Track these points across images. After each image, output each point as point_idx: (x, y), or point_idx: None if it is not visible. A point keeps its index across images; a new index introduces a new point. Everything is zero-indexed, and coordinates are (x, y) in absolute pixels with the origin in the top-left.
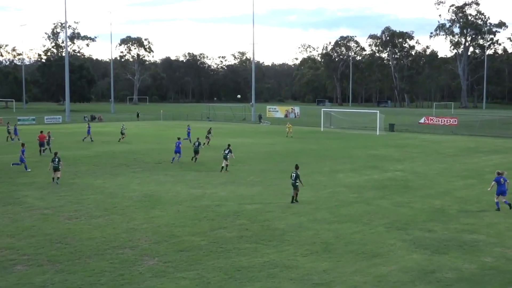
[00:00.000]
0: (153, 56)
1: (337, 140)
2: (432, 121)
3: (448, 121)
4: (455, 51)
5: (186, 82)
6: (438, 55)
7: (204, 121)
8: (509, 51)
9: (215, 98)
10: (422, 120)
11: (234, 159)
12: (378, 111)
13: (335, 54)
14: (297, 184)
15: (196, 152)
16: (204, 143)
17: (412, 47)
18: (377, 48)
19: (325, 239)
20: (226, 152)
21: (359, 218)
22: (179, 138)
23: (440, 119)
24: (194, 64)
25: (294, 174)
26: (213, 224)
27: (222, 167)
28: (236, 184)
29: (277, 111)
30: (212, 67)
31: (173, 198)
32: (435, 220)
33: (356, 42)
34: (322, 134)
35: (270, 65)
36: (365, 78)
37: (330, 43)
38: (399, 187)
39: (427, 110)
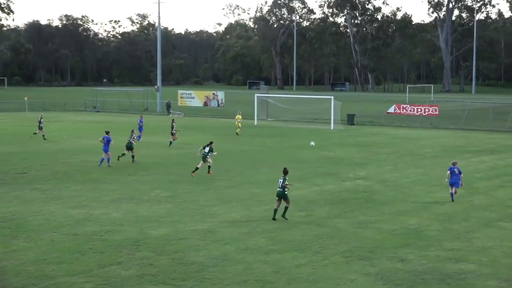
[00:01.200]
0: (13, 20)
1: (277, 138)
2: (405, 110)
3: (427, 110)
4: (435, 15)
5: (63, 57)
6: (412, 21)
7: (90, 112)
8: (506, 15)
9: (105, 80)
10: (391, 109)
11: (135, 164)
12: (332, 97)
13: (274, 18)
14: (286, 192)
15: (130, 148)
16: (171, 141)
17: (378, 9)
18: (330, 10)
19: (261, 276)
20: (206, 150)
21: (308, 245)
22: (107, 132)
23: (415, 108)
24: (73, 32)
25: (282, 180)
26: (103, 258)
27: (197, 168)
28: (135, 201)
29: (193, 97)
30: (100, 35)
31: (44, 222)
32: (409, 245)
33: (303, 2)
34: (256, 129)
35: (183, 33)
36: (314, 52)
37: (266, 2)
38: (362, 201)
39: (398, 95)
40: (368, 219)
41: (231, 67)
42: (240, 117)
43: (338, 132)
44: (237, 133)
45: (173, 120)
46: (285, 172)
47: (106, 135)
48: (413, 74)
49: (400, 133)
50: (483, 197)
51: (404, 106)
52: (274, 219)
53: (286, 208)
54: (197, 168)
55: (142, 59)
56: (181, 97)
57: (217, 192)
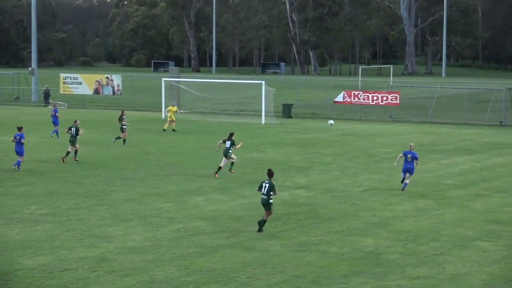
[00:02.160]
0: None
1: (191, 136)
2: (357, 98)
3: (385, 98)
4: None
5: None
6: None
7: None
8: None
9: None
10: (340, 98)
11: (14, 171)
12: (263, 82)
13: None
14: (271, 201)
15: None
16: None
17: None
18: None
19: None
20: (228, 145)
21: (232, 275)
22: (20, 129)
23: (370, 96)
24: None
25: (267, 185)
26: None
27: (220, 167)
28: (2, 221)
29: (80, 83)
30: None
31: None
32: (364, 272)
33: None
34: (162, 124)
35: None
36: (240, 24)
37: None
38: (303, 217)
39: (349, 79)
40: (311, 240)
41: (130, 43)
42: (174, 108)
43: (271, 127)
44: (164, 129)
45: (122, 111)
46: (270, 174)
47: (20, 133)
48: (367, 52)
49: (351, 128)
50: (457, 210)
51: (356, 93)
52: (260, 230)
53: (264, 221)
54: (220, 168)
55: (11, 32)
56: (64, 83)
57: (113, 207)
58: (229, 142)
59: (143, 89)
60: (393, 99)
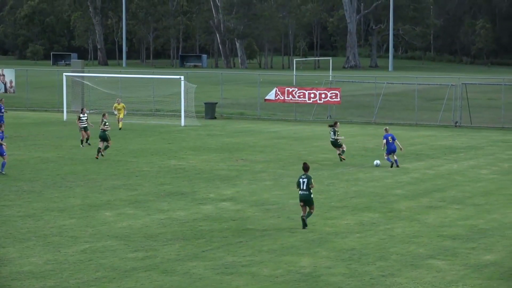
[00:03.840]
0: None
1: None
2: (291, 96)
3: (323, 95)
4: None
5: None
6: None
7: None
8: None
9: None
10: (271, 95)
11: None
12: (182, 77)
13: None
14: (311, 195)
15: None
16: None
17: None
18: None
19: None
20: (333, 136)
21: None
22: None
23: (306, 93)
24: None
25: (305, 180)
26: None
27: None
28: None
29: None
30: None
31: None
32: None
33: None
34: (67, 127)
35: None
36: (154, 9)
37: None
38: (229, 233)
39: (282, 74)
40: (239, 261)
41: (24, 32)
42: (120, 105)
43: (192, 129)
44: (119, 128)
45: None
46: (306, 168)
47: None
48: (303, 43)
49: (284, 131)
50: (407, 224)
51: (291, 90)
52: (304, 227)
53: (310, 213)
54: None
55: None
56: None
57: (6, 225)
58: (333, 131)
59: (40, 85)
60: (333, 97)
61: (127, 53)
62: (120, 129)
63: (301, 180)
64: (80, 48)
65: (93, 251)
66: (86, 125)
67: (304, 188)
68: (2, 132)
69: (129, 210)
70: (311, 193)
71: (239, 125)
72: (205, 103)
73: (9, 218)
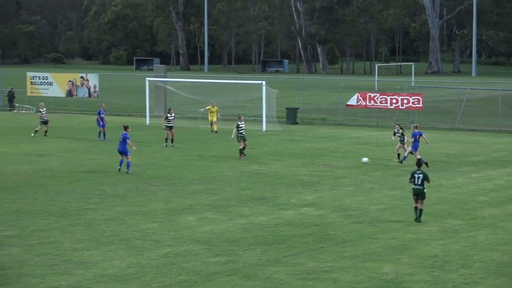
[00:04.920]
0: None
1: (180, 145)
2: (373, 101)
3: (405, 101)
4: None
5: None
6: None
7: None
8: None
9: None
10: (353, 100)
11: None
12: (264, 82)
13: None
14: (425, 190)
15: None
16: None
17: None
18: None
19: None
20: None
21: None
22: (126, 128)
23: (388, 98)
24: None
25: (421, 175)
26: None
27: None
28: None
29: (51, 83)
30: None
31: None
32: None
33: None
34: (149, 131)
35: None
36: (236, 14)
37: None
38: (311, 239)
39: (363, 79)
40: (321, 267)
41: (108, 37)
42: (214, 108)
43: (273, 135)
44: (215, 131)
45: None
46: (419, 164)
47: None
48: (385, 48)
49: (366, 136)
50: (491, 231)
51: (372, 95)
52: (418, 220)
53: (421, 210)
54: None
55: None
56: (31, 83)
57: (90, 228)
58: (400, 133)
59: (123, 90)
60: (415, 102)
61: (209, 58)
62: (216, 132)
63: (416, 175)
64: (162, 53)
65: (175, 255)
66: (172, 124)
67: (419, 183)
68: (127, 134)
69: (211, 215)
70: (424, 188)
71: (321, 130)
72: (286, 108)
73: (93, 222)
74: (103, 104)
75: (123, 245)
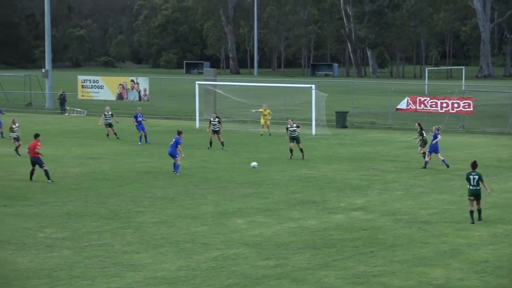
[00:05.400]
0: None
1: (229, 148)
2: (423, 105)
3: (456, 105)
4: None
5: None
6: None
7: None
8: None
9: None
10: (403, 104)
11: (13, 190)
12: (313, 86)
13: None
14: (481, 190)
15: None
16: None
17: None
18: None
19: None
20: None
21: None
22: (179, 133)
23: (439, 102)
24: None
25: (476, 176)
26: None
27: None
28: (13, 246)
29: (101, 86)
30: None
31: None
32: None
33: None
34: (199, 135)
35: None
36: (285, 18)
37: None
38: (360, 243)
39: (413, 83)
40: (370, 271)
41: (158, 41)
42: (266, 111)
43: (322, 138)
44: (268, 133)
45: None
46: (475, 166)
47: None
48: (435, 52)
49: (415, 140)
50: None
51: (422, 99)
52: (473, 222)
53: (479, 210)
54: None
55: (21, 28)
56: (82, 86)
57: (140, 231)
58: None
59: (173, 94)
60: (466, 106)
61: (259, 62)
62: (270, 134)
63: (471, 176)
64: (212, 57)
65: (224, 258)
66: (218, 129)
67: (475, 184)
68: (179, 140)
69: (260, 218)
70: (480, 188)
71: (370, 134)
72: (336, 112)
73: (143, 224)
74: (140, 108)
75: (173, 248)
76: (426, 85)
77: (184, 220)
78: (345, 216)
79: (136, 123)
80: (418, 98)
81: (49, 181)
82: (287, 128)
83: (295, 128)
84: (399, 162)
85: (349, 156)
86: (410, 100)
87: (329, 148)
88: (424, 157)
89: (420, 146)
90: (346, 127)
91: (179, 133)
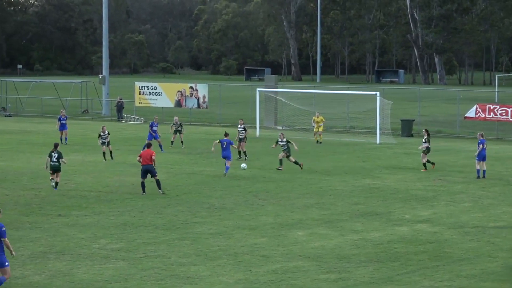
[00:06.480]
0: None
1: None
2: (493, 114)
3: None
4: None
5: None
6: None
7: None
8: None
9: (20, 66)
10: (471, 112)
11: (67, 200)
12: (378, 93)
13: None
14: None
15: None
16: None
17: None
18: None
19: None
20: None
21: None
22: (226, 135)
23: (509, 110)
24: None
25: None
26: None
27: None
28: (68, 257)
29: (159, 93)
30: None
31: None
32: None
33: None
34: (259, 143)
35: None
36: (350, 23)
37: None
38: (426, 257)
39: (483, 90)
40: (436, 286)
41: (218, 47)
42: (318, 118)
43: (387, 147)
44: (317, 141)
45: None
46: None
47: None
48: (506, 58)
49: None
50: None
51: (492, 107)
52: None
53: None
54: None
55: (78, 33)
56: (140, 93)
57: (197, 242)
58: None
59: (233, 101)
60: None
61: (321, 68)
62: (320, 142)
63: None
64: (273, 63)
65: (284, 271)
66: (243, 136)
67: None
68: (231, 140)
69: (322, 230)
70: None
71: (437, 143)
72: (401, 120)
73: (200, 235)
74: (156, 117)
75: (231, 260)
76: (496, 92)
77: (243, 231)
78: (410, 229)
79: (151, 131)
80: (488, 106)
81: (160, 192)
82: (277, 142)
83: (285, 143)
84: (467, 172)
85: (414, 166)
86: (479, 108)
87: (394, 157)
88: (424, 165)
89: (423, 153)
90: (412, 135)
91: (226, 135)
